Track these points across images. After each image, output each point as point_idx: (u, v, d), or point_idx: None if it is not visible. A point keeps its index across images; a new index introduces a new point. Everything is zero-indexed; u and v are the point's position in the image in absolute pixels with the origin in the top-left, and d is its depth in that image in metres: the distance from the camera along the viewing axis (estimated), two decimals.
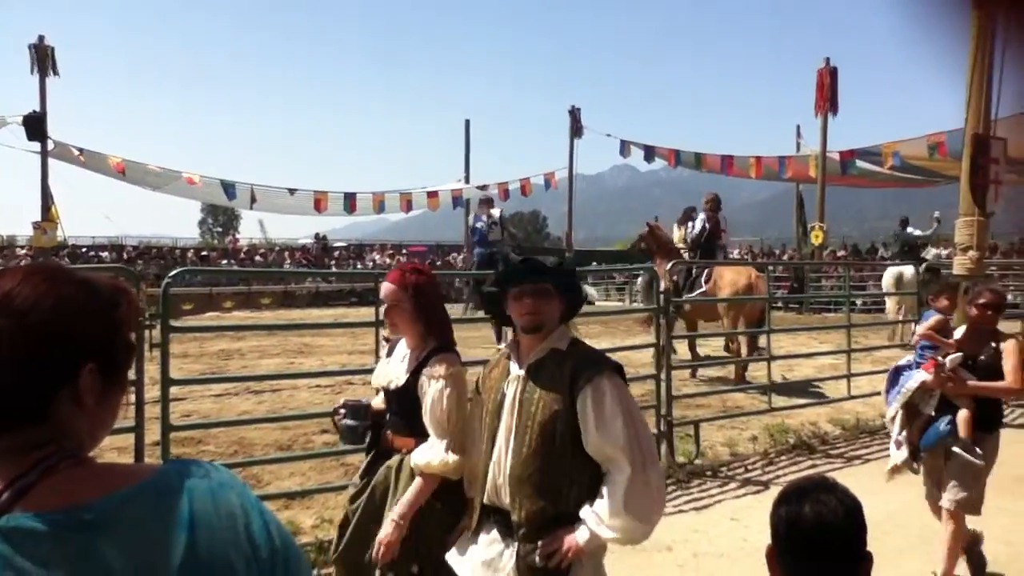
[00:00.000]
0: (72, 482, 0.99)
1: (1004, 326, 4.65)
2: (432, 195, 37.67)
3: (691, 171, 33.67)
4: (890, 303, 15.12)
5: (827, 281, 23.58)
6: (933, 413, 4.58)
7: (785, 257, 27.90)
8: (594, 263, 38.18)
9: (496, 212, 14.75)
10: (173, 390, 5.20)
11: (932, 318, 4.92)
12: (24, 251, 29.54)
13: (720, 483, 6.15)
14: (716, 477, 6.29)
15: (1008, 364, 4.34)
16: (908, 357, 5.01)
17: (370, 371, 6.05)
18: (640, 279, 27.22)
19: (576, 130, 35.82)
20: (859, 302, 19.80)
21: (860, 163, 24.90)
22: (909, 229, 16.92)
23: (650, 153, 34.25)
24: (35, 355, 1.00)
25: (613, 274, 33.95)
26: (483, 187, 38.70)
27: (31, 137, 29.64)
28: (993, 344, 4.52)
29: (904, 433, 4.73)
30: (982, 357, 4.50)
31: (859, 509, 1.80)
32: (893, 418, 4.78)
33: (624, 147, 34.64)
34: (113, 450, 6.19)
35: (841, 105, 23.45)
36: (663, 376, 6.54)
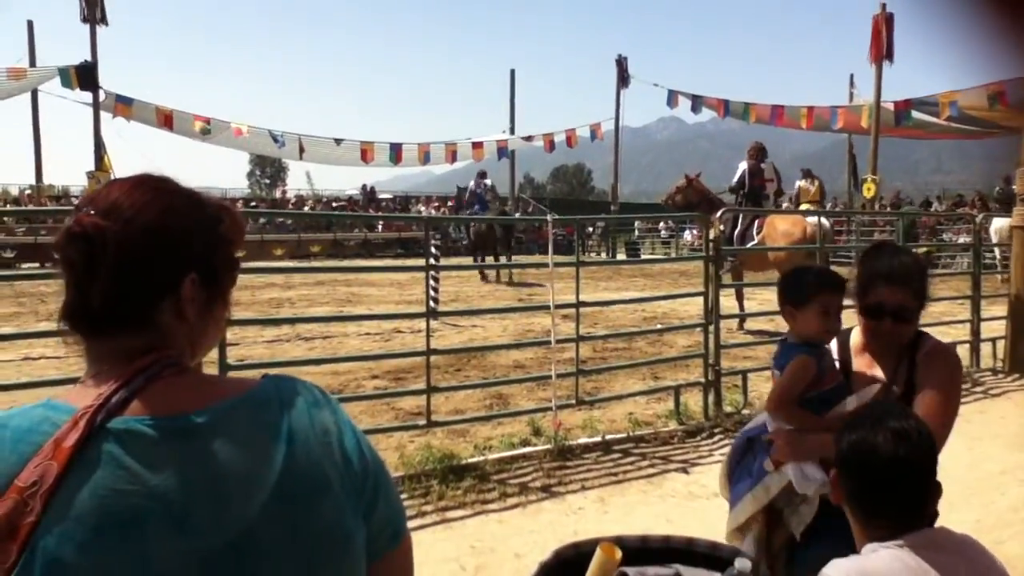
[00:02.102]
0: (177, 389, 1.02)
1: None
2: (477, 146, 37.46)
3: (739, 124, 33.00)
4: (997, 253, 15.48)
5: (879, 234, 23.10)
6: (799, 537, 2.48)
7: (836, 209, 27.36)
8: (641, 216, 37.81)
9: (488, 181, 19.92)
10: (228, 335, 5.31)
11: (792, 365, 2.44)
12: (79, 201, 30.09)
13: None
14: None
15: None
16: (759, 419, 2.69)
17: (418, 315, 6.18)
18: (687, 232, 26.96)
19: (623, 80, 35.31)
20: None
21: (915, 114, 24.18)
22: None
23: (698, 103, 33.62)
24: (139, 260, 1.02)
25: (659, 227, 33.59)
26: (528, 138, 38.42)
27: (82, 87, 30.07)
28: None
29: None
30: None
31: (932, 438, 1.74)
32: (739, 529, 2.65)
33: (671, 97, 34.02)
34: None
35: (897, 53, 22.73)
36: (711, 326, 6.51)
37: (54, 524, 0.87)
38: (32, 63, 29.94)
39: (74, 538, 0.87)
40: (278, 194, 46.19)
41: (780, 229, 10.08)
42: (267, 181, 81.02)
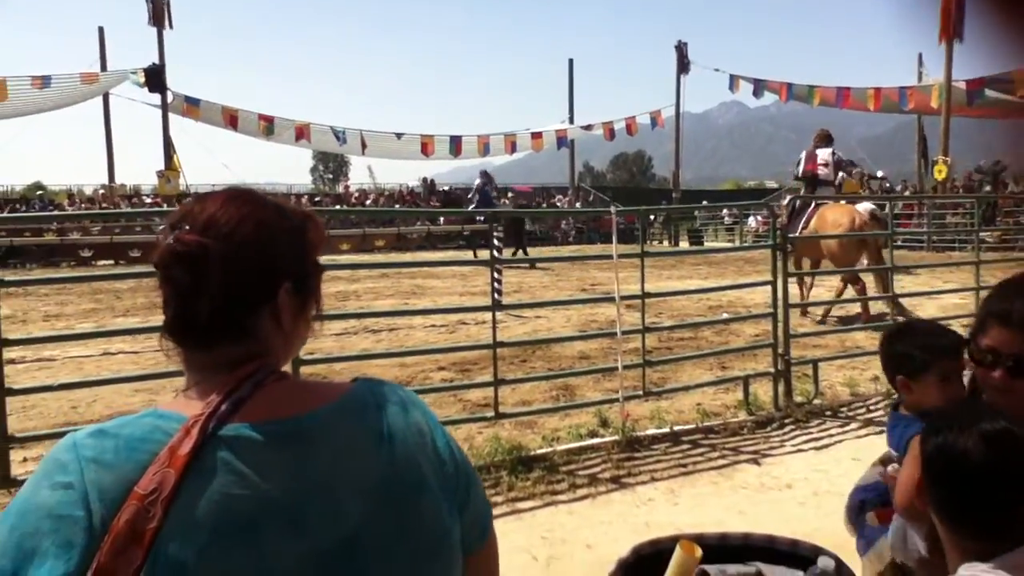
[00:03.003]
0: (280, 395, 1.06)
1: None
2: (536, 136, 37.52)
3: (803, 106, 32.43)
4: None
5: (952, 217, 22.44)
6: None
7: (906, 193, 26.65)
8: (704, 202, 37.39)
9: (493, 179, 22.15)
10: None
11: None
12: (150, 199, 30.93)
13: (840, 423, 6.02)
14: (836, 417, 6.17)
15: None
16: (871, 474, 2.39)
17: (484, 308, 6.22)
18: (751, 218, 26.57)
19: (683, 66, 34.92)
20: (989, 237, 18.93)
21: (989, 92, 23.46)
22: None
23: (760, 87, 33.14)
24: (240, 274, 1.06)
25: (722, 214, 33.17)
26: (587, 127, 38.33)
27: (151, 89, 30.91)
28: None
29: None
30: None
31: None
32: None
33: (733, 82, 33.59)
34: None
35: (968, 31, 22.02)
36: (780, 315, 6.41)
37: (175, 529, 0.90)
38: (103, 67, 30.83)
39: (195, 542, 0.91)
40: (341, 189, 46.83)
41: (829, 219, 9.83)
42: (330, 176, 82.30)
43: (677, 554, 1.68)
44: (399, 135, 35.53)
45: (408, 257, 21.24)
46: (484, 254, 18.07)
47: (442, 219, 24.75)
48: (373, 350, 8.44)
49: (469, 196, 23.33)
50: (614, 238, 6.23)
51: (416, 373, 7.55)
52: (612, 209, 6.28)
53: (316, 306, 1.19)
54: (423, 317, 10.56)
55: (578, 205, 36.70)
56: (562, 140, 37.53)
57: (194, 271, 1.04)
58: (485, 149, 37.03)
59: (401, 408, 1.12)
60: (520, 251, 19.61)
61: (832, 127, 12.12)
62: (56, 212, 22.13)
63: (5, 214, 21.64)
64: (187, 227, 1.07)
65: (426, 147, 35.14)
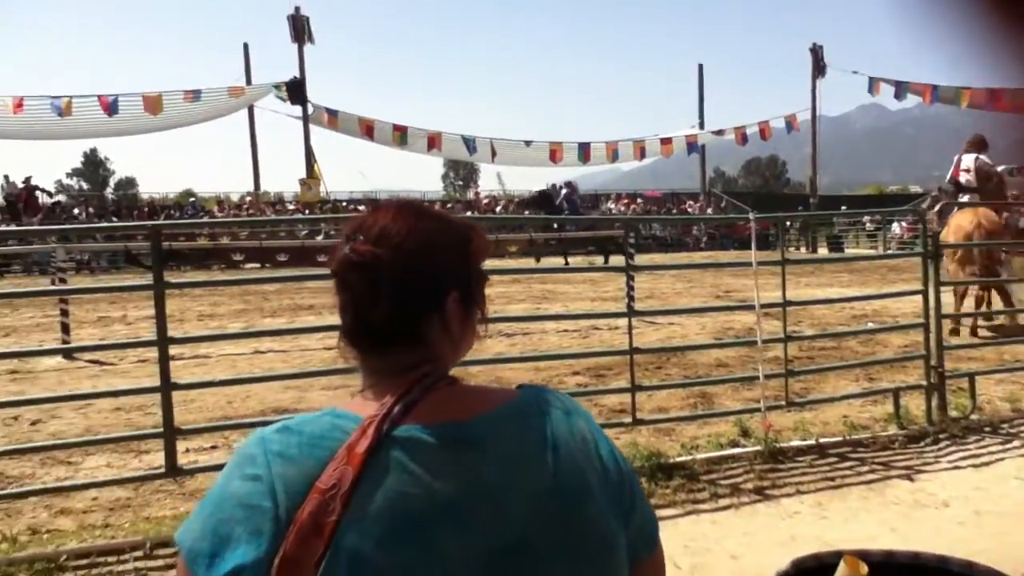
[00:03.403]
0: (450, 400, 1.10)
1: None
2: (666, 141, 37.12)
3: (949, 108, 30.81)
4: None
5: None
6: None
7: None
8: (843, 207, 36.04)
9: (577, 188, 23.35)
10: None
11: None
12: (293, 206, 32.30)
13: (1002, 440, 5.69)
14: (996, 434, 5.83)
15: None
16: None
17: (619, 315, 6.20)
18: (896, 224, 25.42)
19: (818, 69, 33.84)
20: None
21: None
22: None
23: (902, 89, 31.73)
24: (412, 283, 1.12)
25: (863, 220, 31.86)
26: (719, 132, 37.63)
27: (293, 101, 32.35)
28: None
29: None
30: None
31: None
32: None
33: (872, 85, 32.32)
34: None
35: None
36: (932, 325, 6.11)
37: (353, 523, 0.96)
38: (248, 81, 32.37)
39: (372, 536, 0.96)
40: (471, 195, 47.62)
41: (953, 224, 9.31)
42: (460, 183, 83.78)
43: (841, 569, 1.63)
44: (528, 143, 35.85)
45: (542, 264, 21.40)
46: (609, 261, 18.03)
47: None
48: (507, 354, 8.54)
49: (557, 203, 23.81)
50: (752, 244, 6.10)
51: (551, 377, 7.60)
52: (750, 215, 6.14)
53: (481, 313, 1.24)
54: (555, 322, 10.63)
55: (709, 211, 36.06)
56: (692, 146, 36.97)
57: (369, 280, 1.11)
58: (614, 155, 36.88)
59: (565, 415, 1.14)
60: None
61: (984, 129, 11.49)
62: (221, 219, 23.41)
63: (163, 220, 23.03)
64: (361, 238, 1.13)
65: (555, 154, 35.31)
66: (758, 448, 5.39)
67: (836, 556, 1.70)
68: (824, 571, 1.71)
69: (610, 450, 1.17)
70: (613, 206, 35.33)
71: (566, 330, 10.17)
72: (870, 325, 9.82)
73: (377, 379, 1.13)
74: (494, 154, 35.45)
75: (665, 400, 6.71)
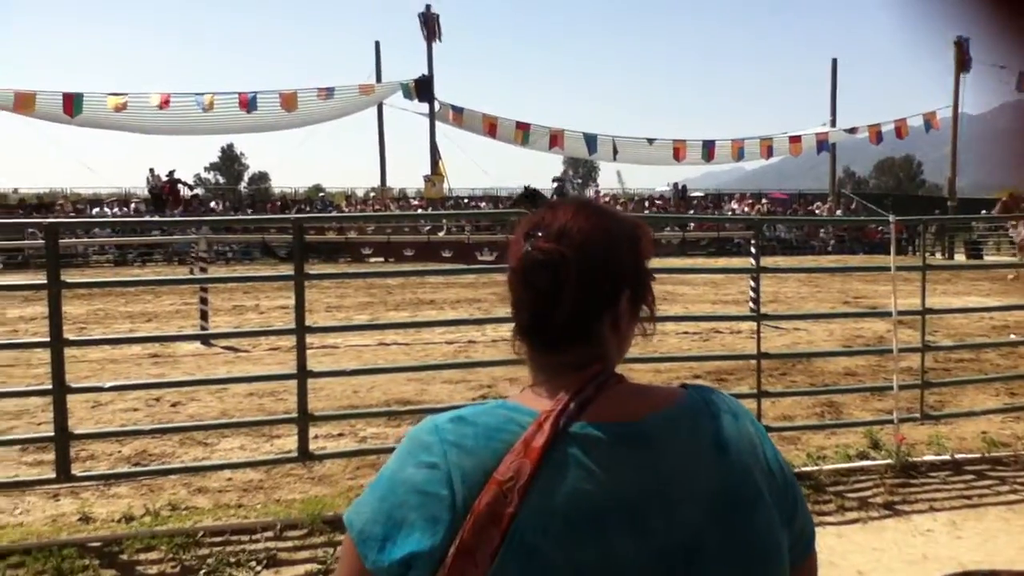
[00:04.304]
0: (622, 398, 1.10)
1: None
2: (795, 140, 36.02)
3: None
4: None
5: None
6: None
7: None
8: (983, 211, 34.14)
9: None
10: None
11: None
12: (416, 202, 32.99)
13: None
14: None
15: None
16: None
17: (746, 318, 6.11)
18: None
19: (962, 64, 32.09)
20: None
21: None
22: None
23: None
24: (592, 282, 1.12)
25: (1007, 226, 30.01)
26: (851, 130, 36.27)
27: (421, 98, 33.04)
28: None
29: None
30: None
31: None
32: None
33: (1021, 80, 30.40)
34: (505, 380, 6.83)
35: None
36: None
37: (530, 516, 0.97)
38: (378, 79, 33.18)
39: (549, 530, 0.97)
40: (591, 194, 47.46)
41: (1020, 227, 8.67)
42: (579, 181, 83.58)
43: None
44: (651, 140, 35.49)
45: (657, 263, 21.09)
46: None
47: (692, 224, 24.47)
48: (628, 354, 8.46)
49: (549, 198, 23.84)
50: (892, 248, 5.84)
51: (670, 379, 7.50)
52: (890, 217, 5.89)
53: (649, 310, 1.23)
54: (675, 323, 10.48)
55: (839, 213, 34.79)
56: (823, 144, 35.74)
57: (553, 278, 1.10)
58: (739, 154, 36.09)
59: (733, 417, 1.13)
60: None
61: None
62: (359, 213, 24.09)
63: (294, 214, 23.86)
64: (540, 235, 1.13)
65: (678, 152, 34.82)
66: (889, 461, 5.18)
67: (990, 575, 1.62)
68: None
69: (775, 454, 1.15)
70: (736, 206, 34.55)
71: (686, 332, 10.02)
72: (1012, 337, 9.27)
73: (549, 376, 1.14)
74: (615, 152, 35.21)
75: (790, 408, 6.52)
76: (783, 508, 1.12)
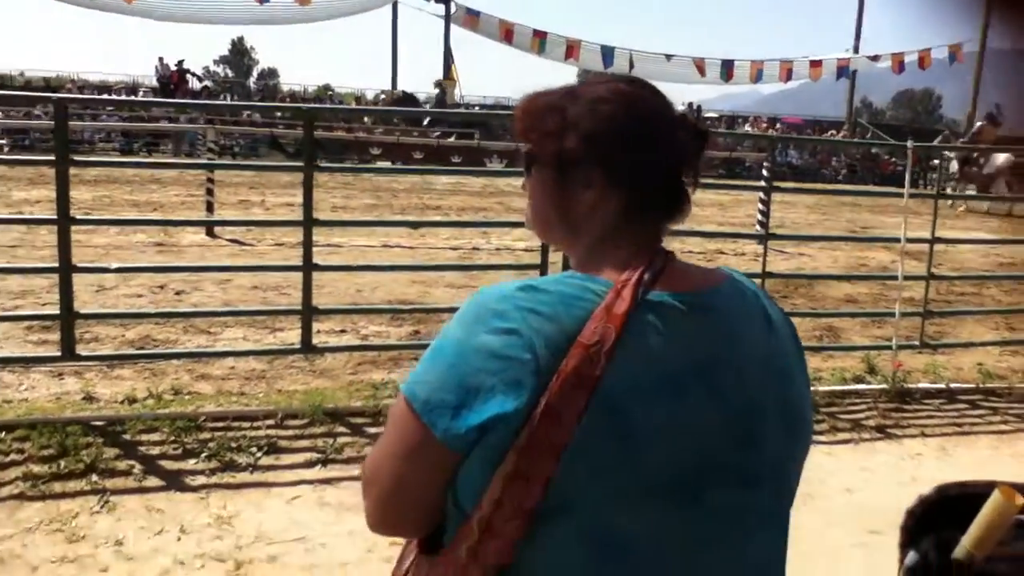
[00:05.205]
0: (683, 272, 1.13)
1: None
2: (815, 64, 35.28)
3: None
4: None
5: None
6: None
7: None
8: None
9: None
10: None
11: None
12: (427, 107, 32.51)
13: None
14: None
15: None
16: None
17: (753, 237, 6.05)
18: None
19: None
20: None
21: None
22: None
23: None
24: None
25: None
26: (874, 57, 35.48)
27: None
28: None
29: None
30: None
31: None
32: None
33: None
34: None
35: None
36: None
37: (615, 379, 0.99)
38: None
39: (634, 392, 0.99)
40: None
41: None
42: None
43: (994, 499, 1.57)
44: (669, 56, 34.77)
45: None
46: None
47: None
48: None
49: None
50: (907, 176, 5.77)
51: None
52: (909, 143, 5.81)
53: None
54: (681, 242, 10.45)
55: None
56: (843, 70, 35.04)
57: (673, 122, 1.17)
58: (758, 75, 35.38)
59: (768, 299, 1.19)
60: None
61: None
62: (367, 108, 23.75)
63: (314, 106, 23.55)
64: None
65: (699, 69, 34.17)
66: (884, 386, 5.24)
67: (988, 486, 1.63)
68: (970, 501, 1.64)
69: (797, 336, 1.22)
70: (750, 128, 34.08)
71: (691, 251, 9.99)
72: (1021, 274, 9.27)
73: (616, 246, 1.14)
74: (631, 67, 34.46)
75: None
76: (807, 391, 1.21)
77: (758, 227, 10.73)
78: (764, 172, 11.01)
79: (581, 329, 1.00)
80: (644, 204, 1.15)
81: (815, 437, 4.43)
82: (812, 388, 5.03)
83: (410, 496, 1.08)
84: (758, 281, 5.48)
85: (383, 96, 33.61)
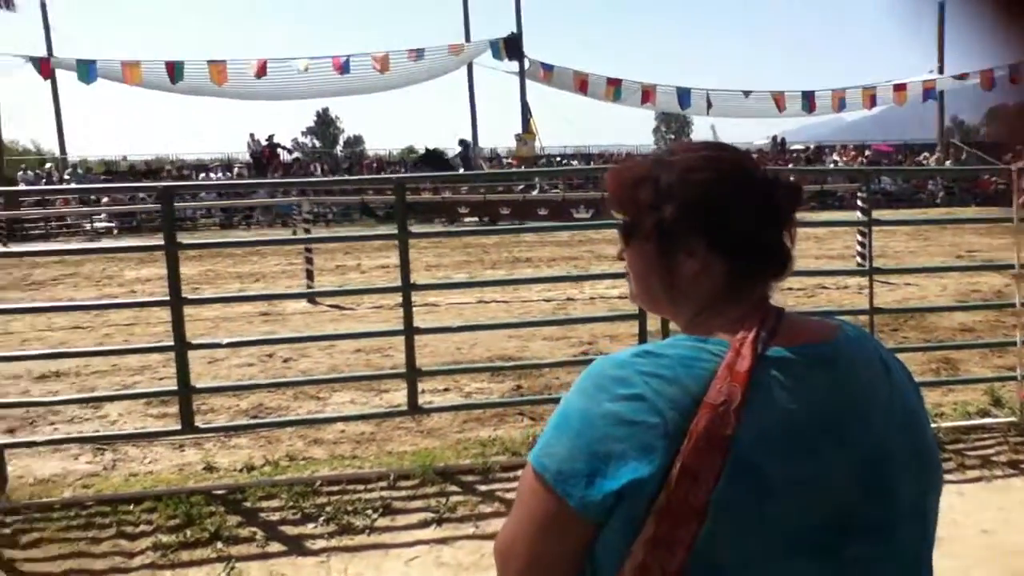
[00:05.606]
0: (798, 326, 1.13)
1: None
2: (899, 88, 34.52)
3: None
4: None
5: None
6: None
7: None
8: None
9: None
10: None
11: None
12: (508, 161, 32.98)
13: None
14: None
15: None
16: None
17: (857, 272, 5.91)
18: None
19: None
20: None
21: None
22: None
23: None
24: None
25: None
26: (961, 76, 34.48)
27: (510, 57, 32.86)
28: None
29: None
30: None
31: None
32: None
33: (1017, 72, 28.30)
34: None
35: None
36: None
37: (748, 436, 0.99)
38: (467, 38, 33.14)
39: (767, 449, 1.00)
40: None
41: None
42: (672, 136, 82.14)
43: None
44: (747, 93, 34.52)
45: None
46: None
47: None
48: None
49: (448, 160, 24.89)
50: (1015, 197, 5.56)
51: None
52: (1014, 167, 5.59)
53: None
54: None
55: (948, 164, 33.26)
56: (929, 92, 34.17)
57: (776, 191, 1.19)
58: (841, 104, 34.83)
59: (880, 344, 1.19)
60: None
61: None
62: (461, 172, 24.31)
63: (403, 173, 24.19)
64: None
65: (778, 103, 33.80)
66: (1012, 419, 4.98)
67: None
68: None
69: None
70: (837, 158, 33.38)
71: (791, 288, 9.78)
72: None
73: (725, 307, 1.15)
74: (709, 105, 34.45)
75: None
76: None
77: (858, 259, 10.46)
78: (859, 203, 10.77)
79: (705, 389, 1.01)
80: (748, 266, 1.15)
81: (946, 476, 4.27)
82: (935, 424, 4.90)
83: (548, 570, 1.07)
84: (865, 318, 5.34)
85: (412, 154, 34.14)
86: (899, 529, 1.06)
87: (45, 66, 29.90)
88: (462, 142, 27.86)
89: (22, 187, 25.41)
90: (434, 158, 27.53)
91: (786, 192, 1.15)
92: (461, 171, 24.49)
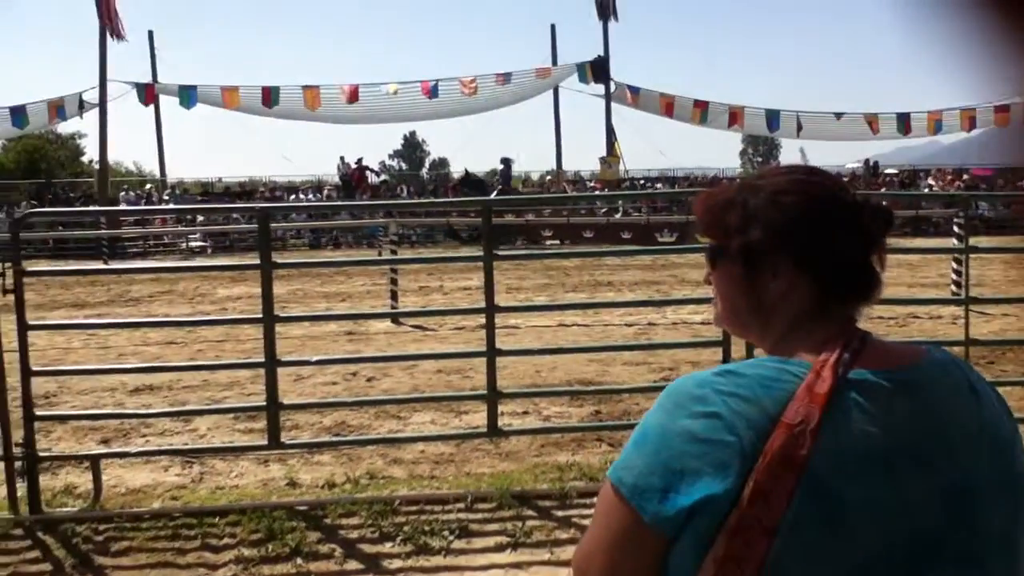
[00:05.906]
0: (883, 349, 1.12)
1: None
2: (1000, 109, 33.22)
3: None
4: None
5: None
6: None
7: None
8: None
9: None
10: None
11: None
12: (591, 184, 32.99)
13: None
14: None
15: None
16: None
17: (950, 301, 5.67)
18: None
19: None
20: None
21: None
22: None
23: None
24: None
25: None
26: None
27: (596, 80, 32.96)
28: None
29: None
30: None
31: None
32: None
33: None
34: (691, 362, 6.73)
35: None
36: None
37: (823, 458, 0.99)
38: (554, 62, 33.37)
39: (843, 472, 0.99)
40: None
41: None
42: (759, 159, 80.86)
43: None
44: (838, 115, 33.80)
45: None
46: None
47: None
48: None
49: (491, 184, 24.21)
50: None
51: None
52: None
53: None
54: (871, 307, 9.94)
55: None
56: None
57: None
58: (937, 127, 33.76)
59: (971, 369, 1.15)
60: None
61: None
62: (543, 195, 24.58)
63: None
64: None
65: (872, 125, 32.99)
66: None
67: None
68: None
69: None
70: (933, 183, 32.30)
71: (881, 316, 9.49)
72: None
73: (812, 328, 1.14)
74: (799, 128, 33.83)
75: None
76: None
77: (953, 287, 10.07)
78: (955, 229, 10.40)
79: (782, 410, 1.01)
80: (834, 289, 1.15)
81: None
82: None
83: None
84: (960, 349, 5.15)
85: (549, 177, 34.38)
86: (988, 560, 1.04)
87: (149, 92, 31.37)
88: (504, 160, 28.06)
89: (123, 207, 26.58)
90: (472, 183, 27.84)
91: (874, 215, 1.15)
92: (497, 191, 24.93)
